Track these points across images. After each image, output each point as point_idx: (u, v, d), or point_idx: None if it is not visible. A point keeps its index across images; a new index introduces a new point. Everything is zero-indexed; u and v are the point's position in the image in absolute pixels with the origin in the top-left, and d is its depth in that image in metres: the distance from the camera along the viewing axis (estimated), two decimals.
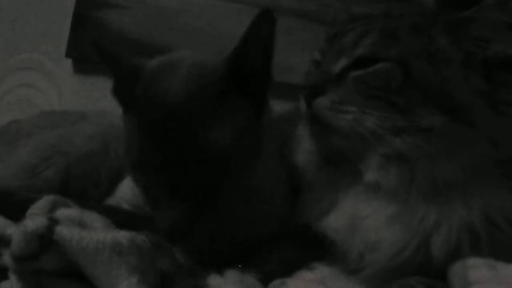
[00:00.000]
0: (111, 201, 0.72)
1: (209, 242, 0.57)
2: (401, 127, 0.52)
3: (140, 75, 0.57)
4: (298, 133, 0.66)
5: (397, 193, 0.54)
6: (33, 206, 0.47)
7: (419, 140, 0.52)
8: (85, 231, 0.42)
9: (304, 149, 0.64)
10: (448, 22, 0.56)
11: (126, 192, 0.72)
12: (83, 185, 0.73)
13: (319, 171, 0.62)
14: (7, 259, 0.43)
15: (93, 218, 0.48)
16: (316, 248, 0.60)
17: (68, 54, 1.27)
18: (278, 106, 0.69)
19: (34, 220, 0.41)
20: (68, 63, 1.30)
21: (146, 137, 0.53)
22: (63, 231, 0.40)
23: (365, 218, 0.56)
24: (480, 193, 0.52)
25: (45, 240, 0.40)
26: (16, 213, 0.46)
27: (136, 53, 0.61)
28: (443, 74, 0.53)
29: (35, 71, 1.33)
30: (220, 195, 0.55)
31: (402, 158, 0.53)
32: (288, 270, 0.58)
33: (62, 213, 0.47)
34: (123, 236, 0.42)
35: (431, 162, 0.52)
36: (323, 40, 0.63)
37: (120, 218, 0.53)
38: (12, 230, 0.43)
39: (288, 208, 0.63)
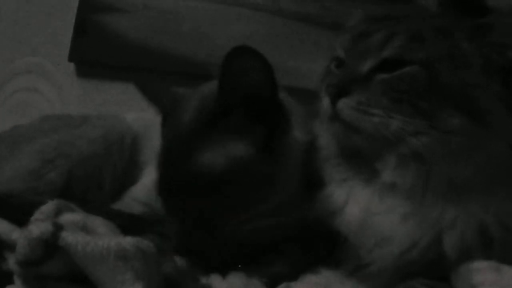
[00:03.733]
0: (121, 204, 0.73)
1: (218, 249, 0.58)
2: (422, 130, 0.52)
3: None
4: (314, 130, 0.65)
5: (413, 192, 0.54)
6: (38, 211, 0.47)
7: (437, 141, 0.52)
8: (89, 237, 0.42)
9: (320, 147, 0.64)
10: (470, 28, 0.56)
11: (141, 192, 0.73)
12: (86, 188, 0.73)
13: (334, 167, 0.62)
14: (12, 264, 0.43)
15: (97, 223, 0.48)
16: (323, 251, 0.60)
17: (70, 58, 1.28)
18: None
19: (39, 225, 0.41)
20: (71, 67, 1.30)
21: (161, 155, 0.61)
22: (68, 237, 0.41)
23: (379, 214, 0.56)
24: (496, 196, 0.52)
25: (50, 246, 0.40)
26: (20, 216, 0.47)
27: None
28: (465, 78, 0.53)
29: (37, 75, 1.33)
30: (218, 219, 0.57)
31: (419, 158, 0.53)
32: (294, 273, 0.58)
33: (66, 218, 0.47)
34: (128, 241, 0.42)
35: (448, 163, 0.52)
36: (346, 39, 0.62)
37: (124, 222, 0.53)
38: (17, 235, 0.44)
39: (304, 208, 0.62)
